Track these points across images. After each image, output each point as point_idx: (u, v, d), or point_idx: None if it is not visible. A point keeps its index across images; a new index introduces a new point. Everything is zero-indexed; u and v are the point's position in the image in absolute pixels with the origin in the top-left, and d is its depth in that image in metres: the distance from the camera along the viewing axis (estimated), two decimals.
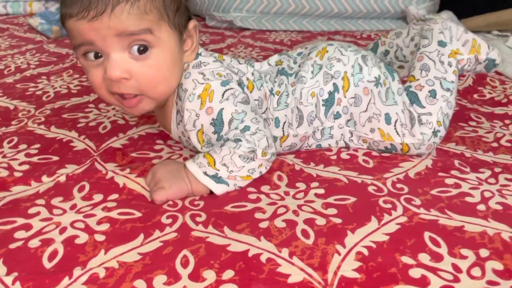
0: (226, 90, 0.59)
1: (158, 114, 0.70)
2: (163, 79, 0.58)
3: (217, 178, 0.58)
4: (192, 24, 0.61)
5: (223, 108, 0.58)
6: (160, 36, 0.55)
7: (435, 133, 0.66)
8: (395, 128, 0.66)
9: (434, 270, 0.45)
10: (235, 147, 0.57)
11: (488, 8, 1.24)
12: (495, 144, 0.71)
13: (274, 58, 0.72)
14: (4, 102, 0.88)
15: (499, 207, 0.55)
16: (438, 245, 0.49)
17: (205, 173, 0.58)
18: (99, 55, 0.55)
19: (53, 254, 0.48)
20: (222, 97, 0.58)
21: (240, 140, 0.57)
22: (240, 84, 0.62)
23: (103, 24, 0.52)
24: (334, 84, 0.66)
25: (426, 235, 0.51)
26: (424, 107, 0.67)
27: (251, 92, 0.63)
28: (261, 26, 1.40)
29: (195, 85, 0.58)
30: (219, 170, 0.58)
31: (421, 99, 0.68)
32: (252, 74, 0.66)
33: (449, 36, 0.72)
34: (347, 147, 0.70)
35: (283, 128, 0.66)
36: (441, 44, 0.72)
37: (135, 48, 0.54)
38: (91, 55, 0.56)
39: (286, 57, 0.72)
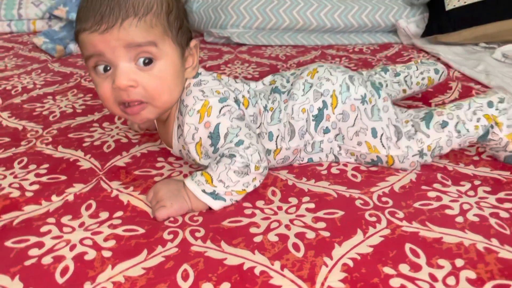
0: (223, 107, 0.64)
1: (160, 129, 0.75)
2: (167, 89, 0.63)
3: (215, 195, 0.63)
4: (193, 43, 0.67)
5: (219, 123, 0.63)
6: (164, 49, 0.61)
7: (421, 153, 0.70)
8: (381, 141, 0.71)
9: (412, 280, 0.50)
10: (230, 163, 0.62)
11: (474, 21, 1.28)
12: (476, 158, 0.75)
13: (268, 78, 0.78)
14: (13, 123, 0.93)
15: (476, 219, 0.60)
16: (417, 256, 0.53)
17: (204, 191, 0.63)
18: (108, 68, 0.61)
19: (65, 270, 0.53)
20: (219, 113, 0.64)
21: (234, 156, 0.62)
22: (236, 101, 0.67)
23: (113, 36, 0.58)
24: (323, 101, 0.71)
25: (407, 246, 0.55)
26: (428, 129, 0.71)
27: (246, 109, 0.69)
28: (257, 41, 1.45)
29: (195, 101, 0.64)
30: (216, 187, 0.63)
31: (432, 122, 0.71)
32: (248, 92, 0.71)
33: (503, 107, 0.72)
34: (337, 161, 0.75)
35: (276, 141, 0.71)
36: (490, 104, 0.72)
37: (141, 60, 0.60)
38: (101, 68, 0.61)
39: (279, 77, 0.78)
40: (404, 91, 0.91)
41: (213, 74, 0.71)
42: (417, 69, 0.92)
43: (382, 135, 0.70)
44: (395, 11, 1.44)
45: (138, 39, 0.58)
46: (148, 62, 0.60)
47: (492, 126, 0.71)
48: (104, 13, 0.57)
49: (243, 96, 0.70)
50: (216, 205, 0.63)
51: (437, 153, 0.71)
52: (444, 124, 0.71)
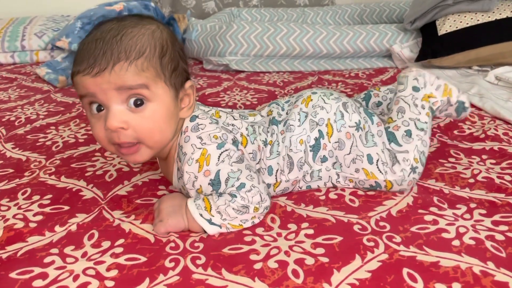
0: (222, 153, 0.65)
1: (161, 164, 0.77)
2: (159, 130, 0.64)
3: (211, 222, 0.65)
4: (188, 84, 0.68)
5: (220, 170, 0.64)
6: (156, 91, 0.62)
7: (413, 169, 0.72)
8: (378, 167, 0.72)
9: None
10: (230, 200, 0.64)
11: (467, 45, 1.32)
12: (472, 180, 0.77)
13: (266, 110, 0.79)
14: (16, 154, 0.94)
15: (472, 242, 0.61)
16: (415, 280, 0.54)
17: (201, 215, 0.64)
18: (102, 108, 0.62)
19: None
20: (218, 160, 0.65)
21: (235, 196, 0.64)
22: (234, 142, 0.68)
23: (104, 79, 0.59)
24: (319, 130, 0.73)
25: (405, 271, 0.56)
26: (401, 145, 0.74)
27: (245, 147, 0.70)
28: (255, 68, 1.49)
29: (193, 150, 0.65)
30: (213, 216, 0.64)
31: (398, 138, 0.74)
32: (246, 129, 0.72)
33: (423, 82, 0.80)
34: (335, 187, 0.76)
35: (276, 175, 0.72)
36: (415, 89, 0.79)
37: (132, 101, 0.61)
38: (94, 108, 0.62)
39: (275, 106, 0.79)
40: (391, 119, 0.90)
41: (210, 113, 0.71)
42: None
43: (378, 160, 0.72)
44: (389, 36, 1.48)
45: (129, 82, 0.59)
46: (140, 103, 0.61)
47: (430, 102, 0.79)
48: (97, 56, 0.59)
49: (241, 135, 0.71)
50: (211, 230, 0.65)
51: (424, 158, 0.74)
52: (408, 133, 0.74)
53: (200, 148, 0.65)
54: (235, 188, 0.64)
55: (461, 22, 1.35)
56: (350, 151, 0.73)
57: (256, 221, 0.67)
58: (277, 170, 0.72)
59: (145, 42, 0.61)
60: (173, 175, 0.71)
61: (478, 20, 1.33)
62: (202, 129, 0.67)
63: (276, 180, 0.72)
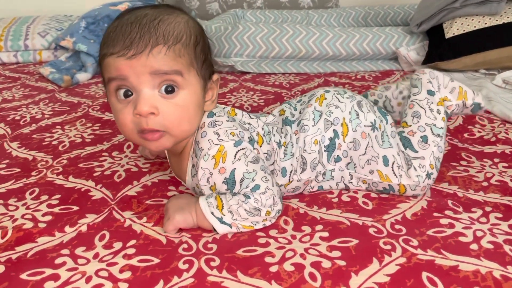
0: (239, 151, 0.64)
1: (173, 162, 0.75)
2: (188, 119, 0.64)
3: (221, 220, 0.64)
4: (215, 77, 0.68)
5: (235, 169, 0.63)
6: (188, 79, 0.62)
7: (428, 175, 0.71)
8: (393, 170, 0.71)
9: None
10: (243, 201, 0.63)
11: (474, 48, 1.31)
12: (485, 184, 0.76)
13: (277, 109, 0.78)
14: (23, 153, 0.93)
15: (490, 246, 0.60)
16: (435, 284, 0.53)
17: (212, 213, 0.64)
18: (129, 94, 0.61)
19: None
20: (235, 158, 0.64)
21: (249, 198, 0.63)
22: (251, 140, 0.67)
23: (140, 62, 0.58)
24: (334, 130, 0.72)
25: (424, 275, 0.55)
26: (417, 152, 0.72)
27: (260, 146, 0.69)
28: (261, 69, 1.48)
29: (210, 145, 0.64)
30: (224, 215, 0.64)
31: (414, 144, 0.73)
32: (262, 128, 0.71)
33: (437, 85, 0.78)
34: (347, 188, 0.75)
35: (289, 176, 0.71)
36: (430, 93, 0.78)
37: (164, 87, 0.60)
38: (121, 93, 0.61)
39: (287, 106, 0.78)
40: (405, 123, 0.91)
41: (226, 110, 0.71)
42: (397, 88, 0.88)
43: (393, 163, 0.71)
44: (395, 39, 1.48)
45: (165, 67, 0.59)
46: (171, 90, 0.61)
47: (445, 105, 0.78)
48: (134, 39, 0.58)
49: (258, 134, 0.70)
50: (221, 229, 0.64)
51: (439, 164, 0.73)
52: (424, 139, 0.73)
53: (217, 144, 0.64)
54: (249, 189, 0.63)
55: (468, 25, 1.35)
56: (366, 151, 0.72)
57: (268, 223, 0.66)
58: (291, 172, 0.71)
59: (182, 30, 0.61)
60: (187, 173, 0.70)
61: (485, 24, 1.33)
62: (219, 125, 0.66)
63: (289, 180, 0.71)
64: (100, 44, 0.63)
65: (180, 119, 0.62)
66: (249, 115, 0.73)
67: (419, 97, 0.78)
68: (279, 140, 0.72)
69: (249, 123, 0.71)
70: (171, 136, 0.63)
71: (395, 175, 0.71)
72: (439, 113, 0.76)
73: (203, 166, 0.64)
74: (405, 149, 0.73)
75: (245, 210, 0.63)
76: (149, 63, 0.58)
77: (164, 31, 0.60)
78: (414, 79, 0.81)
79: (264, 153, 0.69)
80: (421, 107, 0.76)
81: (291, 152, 0.71)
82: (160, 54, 0.59)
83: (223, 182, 0.64)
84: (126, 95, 0.61)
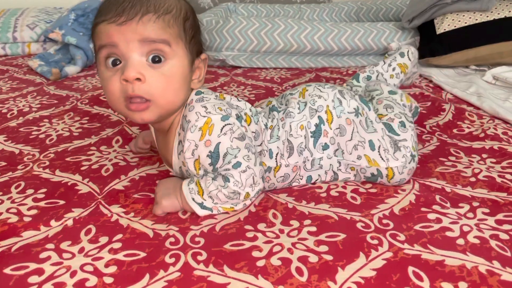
0: (225, 125, 0.65)
1: (160, 145, 0.76)
2: (173, 89, 0.65)
3: (202, 205, 0.66)
4: (204, 56, 0.70)
5: (220, 142, 0.64)
6: (176, 50, 0.64)
7: (413, 157, 0.74)
8: (379, 154, 0.73)
9: None
10: (223, 185, 0.64)
11: (465, 44, 1.32)
12: (473, 179, 0.76)
13: (265, 102, 0.80)
14: (9, 147, 0.92)
15: (476, 241, 0.60)
16: (421, 279, 0.53)
17: (193, 199, 0.66)
18: (118, 63, 0.62)
19: None
20: (221, 132, 0.65)
21: (228, 181, 0.64)
22: (238, 117, 0.68)
23: (130, 29, 0.60)
24: (319, 117, 0.73)
25: (410, 269, 0.55)
26: (399, 135, 0.76)
27: (249, 125, 0.70)
28: (252, 64, 1.47)
29: (198, 117, 0.65)
30: (205, 200, 0.66)
31: (395, 128, 0.76)
32: (250, 110, 0.73)
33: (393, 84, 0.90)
34: (336, 177, 0.76)
35: (276, 158, 0.72)
36: (391, 92, 0.85)
37: (151, 57, 0.62)
38: (110, 62, 0.63)
39: (274, 99, 0.80)
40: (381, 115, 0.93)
41: (215, 93, 0.72)
42: (384, 63, 0.96)
43: (379, 147, 0.73)
44: (386, 34, 1.48)
45: (154, 35, 0.61)
46: (158, 60, 0.62)
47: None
48: (125, 6, 0.61)
49: (245, 114, 0.71)
50: (202, 213, 0.67)
51: (417, 148, 0.77)
52: (402, 124, 0.77)
53: (204, 116, 0.65)
54: (231, 165, 0.64)
55: (459, 21, 1.35)
56: (352, 137, 0.73)
57: (248, 202, 0.68)
58: (277, 154, 0.72)
59: (172, 3, 0.64)
60: (174, 152, 0.70)
61: (476, 20, 1.33)
62: (207, 101, 0.68)
63: (277, 164, 0.72)
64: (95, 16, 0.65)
65: (166, 88, 0.63)
66: (237, 98, 0.74)
67: (384, 95, 0.84)
68: (266, 123, 0.74)
69: (237, 105, 0.72)
70: (156, 107, 0.64)
71: (382, 159, 0.72)
72: (405, 106, 0.85)
73: (189, 137, 0.65)
74: (388, 132, 0.76)
75: (224, 194, 0.65)
76: (139, 30, 0.60)
77: (155, 2, 0.62)
78: (372, 85, 0.90)
79: (252, 132, 0.70)
80: (389, 101, 0.81)
81: (277, 135, 0.73)
82: (149, 22, 0.61)
83: (207, 156, 0.65)
84: (115, 64, 0.63)
